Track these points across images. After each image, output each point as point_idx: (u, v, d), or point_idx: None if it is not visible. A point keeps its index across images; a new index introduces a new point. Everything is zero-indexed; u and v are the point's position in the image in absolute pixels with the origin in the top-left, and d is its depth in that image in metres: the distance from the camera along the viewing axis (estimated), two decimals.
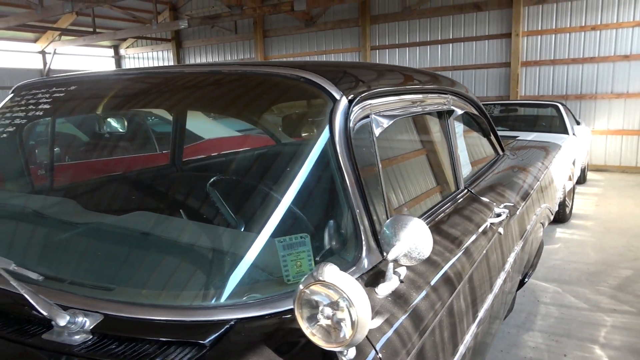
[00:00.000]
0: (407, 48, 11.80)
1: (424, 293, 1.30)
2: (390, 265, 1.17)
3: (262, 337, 0.93)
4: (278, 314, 0.98)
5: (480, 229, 1.87)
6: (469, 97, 2.58)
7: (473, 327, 1.59)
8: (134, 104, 1.86)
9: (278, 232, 1.15)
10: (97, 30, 13.96)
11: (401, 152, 1.90)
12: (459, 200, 1.97)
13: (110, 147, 2.81)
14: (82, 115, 2.11)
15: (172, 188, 2.18)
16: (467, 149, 2.46)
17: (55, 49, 15.89)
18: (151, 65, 17.21)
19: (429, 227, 1.64)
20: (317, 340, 0.85)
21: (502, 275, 2.04)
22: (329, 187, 1.27)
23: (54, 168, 2.31)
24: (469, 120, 2.71)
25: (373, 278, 1.22)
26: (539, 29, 10.04)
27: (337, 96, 1.29)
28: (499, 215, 2.05)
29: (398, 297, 1.22)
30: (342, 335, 0.83)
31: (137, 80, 1.68)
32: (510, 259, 2.20)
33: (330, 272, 0.84)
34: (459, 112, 2.21)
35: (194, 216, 1.60)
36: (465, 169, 2.36)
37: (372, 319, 1.10)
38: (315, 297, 0.84)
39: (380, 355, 1.00)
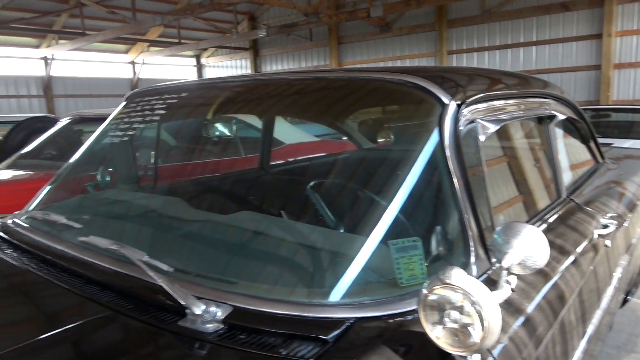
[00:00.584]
0: (487, 52, 11.43)
1: (535, 303, 1.26)
2: (504, 273, 1.14)
3: (382, 337, 0.94)
4: (395, 315, 0.99)
5: (587, 240, 1.77)
6: (569, 101, 2.45)
7: (583, 344, 1.51)
8: (236, 109, 1.96)
9: (387, 236, 1.16)
10: (182, 40, 14.82)
11: (504, 158, 1.84)
12: (562, 209, 1.88)
13: (207, 150, 2.97)
14: (186, 120, 2.24)
15: (268, 190, 2.27)
16: (567, 156, 2.34)
17: (143, 60, 17.05)
18: (230, 73, 17.98)
19: None
20: (442, 343, 0.85)
21: (610, 291, 1.92)
22: (438, 191, 1.26)
23: (157, 169, 2.48)
24: (567, 125, 2.58)
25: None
26: (635, 28, 9.33)
27: (446, 100, 1.28)
28: (605, 226, 1.93)
29: (510, 306, 1.19)
30: (471, 339, 0.82)
31: (239, 87, 1.77)
32: (617, 274, 2.07)
33: (458, 275, 0.83)
34: (560, 116, 2.11)
35: (294, 217, 1.65)
36: (566, 177, 2.24)
37: None
38: (442, 300, 0.84)
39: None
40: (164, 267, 1.13)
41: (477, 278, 1.22)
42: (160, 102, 1.92)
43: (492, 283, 1.21)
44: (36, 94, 15.19)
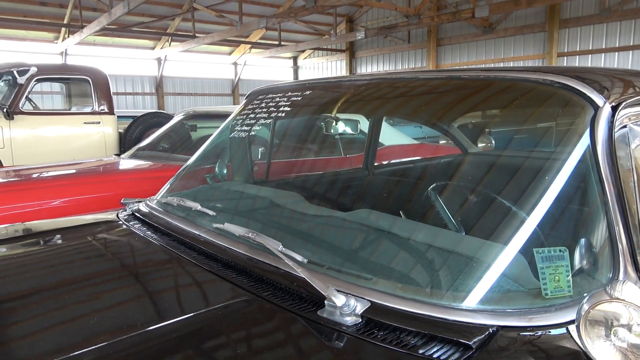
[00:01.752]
0: (603, 54, 10.52)
1: None
2: None
3: (528, 348, 0.89)
4: (542, 328, 0.93)
5: None
6: None
7: None
8: (357, 109, 1.97)
9: (528, 244, 1.10)
10: (282, 42, 15.33)
11: None
12: None
13: (323, 148, 3.03)
14: (304, 118, 2.30)
15: (380, 189, 2.26)
16: None
17: (245, 61, 17.88)
18: (325, 74, 18.29)
19: None
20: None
21: None
22: (586, 200, 1.17)
23: (272, 164, 2.58)
24: None
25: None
26: None
27: (600, 103, 1.19)
28: None
29: None
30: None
31: (366, 86, 1.77)
32: None
33: (631, 290, 0.77)
34: None
35: (413, 218, 1.62)
36: None
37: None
38: (608, 316, 0.78)
39: None
40: (299, 257, 1.16)
41: None
42: (281, 99, 1.99)
43: None
44: (149, 92, 16.55)
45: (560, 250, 1.06)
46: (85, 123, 6.26)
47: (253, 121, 2.10)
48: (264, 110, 2.05)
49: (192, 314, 1.03)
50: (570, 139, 1.19)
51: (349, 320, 0.95)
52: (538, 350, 0.89)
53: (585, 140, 1.16)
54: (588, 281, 1.16)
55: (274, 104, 2.02)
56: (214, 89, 17.87)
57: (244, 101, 2.31)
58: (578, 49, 10.86)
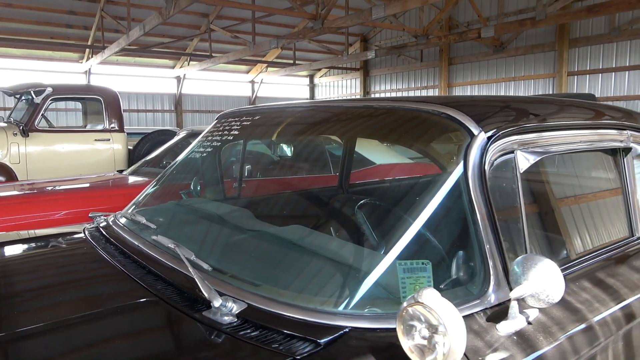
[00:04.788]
0: (613, 73, 10.47)
1: (556, 342, 1.23)
2: (514, 303, 1.16)
3: (370, 347, 1.02)
4: (387, 330, 1.06)
5: None
6: None
7: None
8: (301, 132, 2.14)
9: (405, 256, 1.24)
10: (297, 62, 15.70)
11: (558, 191, 1.78)
12: (630, 249, 1.76)
13: (280, 168, 3.20)
14: (263, 140, 2.48)
15: (330, 208, 2.41)
16: None
17: (262, 79, 18.31)
18: (340, 92, 18.55)
19: (582, 272, 1.53)
20: (414, 357, 0.91)
21: None
22: (461, 219, 1.31)
23: (242, 182, 2.75)
24: None
25: (498, 314, 1.21)
26: None
27: (475, 132, 1.32)
28: None
29: (522, 339, 1.19)
30: (434, 356, 0.88)
31: (304, 112, 1.95)
32: None
33: (430, 295, 0.90)
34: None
35: (342, 234, 1.77)
36: None
37: (487, 355, 1.11)
38: (414, 317, 0.91)
39: None
40: (205, 265, 1.32)
41: (495, 306, 1.25)
42: (242, 122, 2.17)
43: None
44: (168, 109, 17.08)
45: (422, 263, 1.20)
46: (96, 140, 6.60)
47: (217, 141, 2.28)
48: (228, 131, 2.23)
49: (94, 311, 1.19)
50: (449, 164, 1.33)
51: (227, 319, 1.11)
52: (376, 348, 1.02)
53: (460, 166, 1.30)
54: (464, 292, 1.29)
55: (238, 125, 2.18)
56: (232, 106, 18.31)
57: (214, 122, 2.49)
58: (588, 68, 10.84)
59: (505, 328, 1.17)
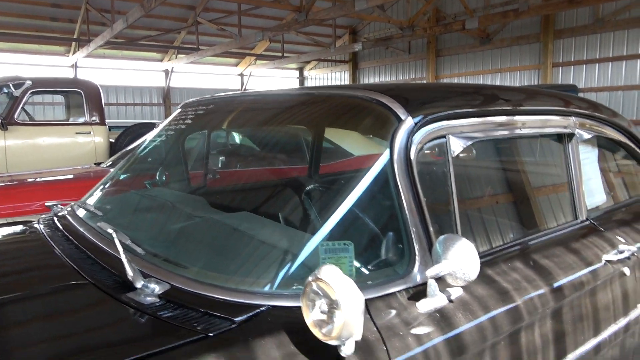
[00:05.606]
0: (597, 64, 10.53)
1: (477, 320, 1.27)
2: (431, 282, 1.19)
3: (285, 324, 1.05)
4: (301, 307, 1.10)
5: (589, 264, 1.68)
6: (612, 121, 2.30)
7: None
8: (250, 122, 2.16)
9: (333, 239, 1.27)
10: (285, 54, 15.66)
11: (500, 176, 1.82)
12: (570, 231, 1.80)
13: (246, 159, 3.21)
14: (218, 129, 2.48)
15: (286, 196, 2.44)
16: (601, 177, 2.20)
17: (250, 72, 18.26)
18: (330, 84, 18.50)
19: (516, 254, 1.57)
20: (316, 332, 0.94)
21: (623, 322, 1.79)
22: (388, 203, 1.34)
23: (207, 172, 2.77)
24: (613, 146, 2.41)
25: (422, 293, 1.24)
26: None
27: (403, 117, 1.35)
28: (621, 252, 1.80)
29: (443, 317, 1.22)
30: (330, 328, 0.91)
31: (257, 102, 1.97)
32: None
33: (329, 272, 0.93)
34: (586, 136, 2.01)
35: (290, 220, 1.80)
36: (596, 199, 2.11)
37: (403, 332, 1.14)
38: (316, 293, 0.94)
39: None
40: (139, 249, 1.35)
41: (419, 285, 1.28)
42: (206, 112, 2.18)
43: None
44: (157, 102, 17.00)
45: (345, 244, 1.23)
46: (77, 133, 6.57)
47: (179, 130, 2.30)
48: (191, 120, 2.24)
49: (19, 293, 1.22)
50: (377, 149, 1.36)
51: (149, 300, 1.14)
52: (292, 326, 1.05)
53: (386, 150, 1.33)
54: (391, 272, 1.32)
55: (201, 114, 2.19)
56: None
57: (177, 110, 2.48)
58: (573, 59, 10.90)
59: (424, 306, 1.20)
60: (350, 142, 1.55)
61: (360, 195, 1.32)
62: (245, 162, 2.98)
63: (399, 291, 1.23)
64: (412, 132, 1.35)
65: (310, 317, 0.96)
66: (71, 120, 6.99)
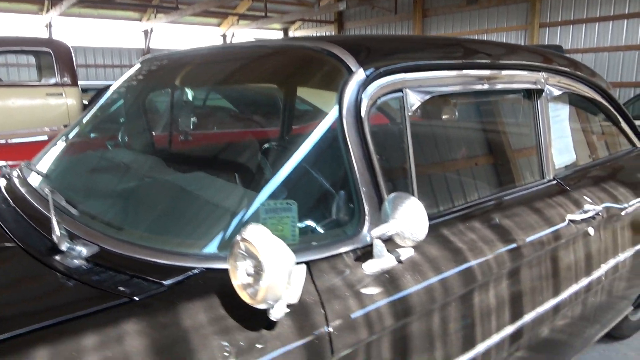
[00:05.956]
0: (584, 24, 10.38)
1: (426, 281, 1.22)
2: (377, 242, 1.13)
3: (217, 286, 0.99)
4: None
5: (551, 224, 1.64)
6: (589, 80, 2.23)
7: (510, 328, 1.44)
8: (202, 78, 2.04)
9: (278, 198, 1.19)
10: (268, 14, 15.17)
11: (457, 134, 1.75)
12: (533, 191, 1.75)
13: (211, 118, 3.09)
14: (181, 87, 2.35)
15: (247, 156, 2.35)
16: (581, 137, 2.14)
17: (233, 33, 17.74)
18: None
19: (478, 215, 1.52)
20: (243, 295, 0.89)
21: (585, 281, 1.77)
22: (338, 160, 1.26)
23: (172, 132, 2.65)
24: (588, 105, 2.34)
25: (370, 254, 1.19)
26: None
27: (354, 68, 1.26)
28: (586, 212, 1.76)
29: (390, 279, 1.17)
30: (254, 290, 0.85)
31: (209, 57, 1.85)
32: (607, 266, 1.89)
33: (254, 232, 0.86)
34: (556, 92, 1.93)
35: (244, 179, 1.72)
36: (565, 158, 2.06)
37: (346, 293, 1.09)
38: (242, 254, 0.88)
39: (331, 330, 1.00)
40: (74, 211, 1.26)
41: (368, 246, 1.21)
42: (166, 68, 2.05)
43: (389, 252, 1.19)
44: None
45: (287, 203, 1.16)
46: (47, 94, 6.34)
47: (139, 87, 2.17)
48: (149, 77, 2.11)
49: None
50: (326, 102, 1.27)
51: (76, 262, 1.06)
52: (222, 287, 0.98)
53: (335, 104, 1.24)
54: (340, 232, 1.25)
55: (155, 70, 2.06)
56: None
57: (137, 66, 2.33)
58: (560, 20, 10.72)
59: (370, 267, 1.15)
60: (304, 97, 1.46)
61: (308, 153, 1.24)
62: (205, 122, 2.86)
63: (345, 252, 1.17)
64: (363, 85, 1.26)
65: (238, 279, 0.90)
66: (42, 82, 6.74)
